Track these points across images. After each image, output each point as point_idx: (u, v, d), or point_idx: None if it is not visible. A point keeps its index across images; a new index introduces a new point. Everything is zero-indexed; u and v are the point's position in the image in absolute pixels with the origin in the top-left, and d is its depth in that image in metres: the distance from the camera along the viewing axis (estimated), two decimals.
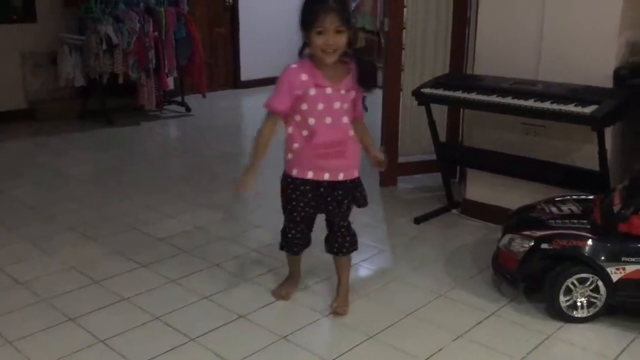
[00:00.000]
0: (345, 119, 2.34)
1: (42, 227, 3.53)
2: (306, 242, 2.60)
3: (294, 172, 2.39)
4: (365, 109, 2.48)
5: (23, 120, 6.16)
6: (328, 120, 2.31)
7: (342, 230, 2.52)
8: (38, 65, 6.28)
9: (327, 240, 2.58)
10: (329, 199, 2.43)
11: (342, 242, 2.54)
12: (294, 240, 2.56)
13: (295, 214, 2.47)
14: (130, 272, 2.98)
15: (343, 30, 2.19)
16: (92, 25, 5.90)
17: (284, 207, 2.50)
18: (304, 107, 2.29)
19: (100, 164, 4.98)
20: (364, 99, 2.51)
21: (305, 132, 2.33)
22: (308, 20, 2.20)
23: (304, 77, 2.27)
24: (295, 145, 2.36)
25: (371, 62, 2.38)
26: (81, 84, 6.16)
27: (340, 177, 2.39)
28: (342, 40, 2.21)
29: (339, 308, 2.57)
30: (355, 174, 2.44)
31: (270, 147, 2.39)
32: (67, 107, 6.40)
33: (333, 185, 2.40)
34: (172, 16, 6.36)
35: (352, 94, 2.35)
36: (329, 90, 2.29)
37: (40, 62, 6.28)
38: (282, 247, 2.63)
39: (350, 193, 2.45)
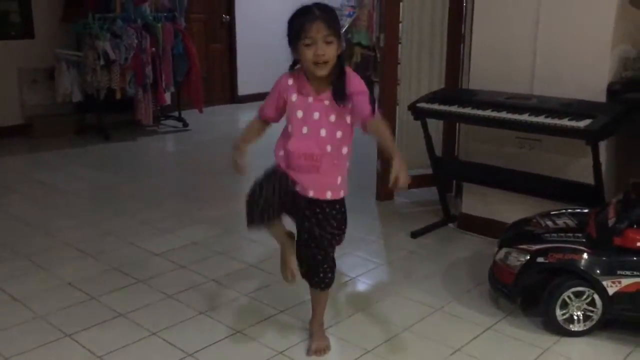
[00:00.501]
0: (324, 132, 2.17)
1: (38, 243, 3.53)
2: (270, 207, 2.19)
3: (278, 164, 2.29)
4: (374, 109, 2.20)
5: (20, 136, 6.17)
6: (304, 129, 2.19)
7: (320, 257, 2.29)
8: (35, 81, 6.30)
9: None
10: (309, 213, 2.24)
11: (319, 276, 2.33)
12: (251, 201, 2.20)
13: (261, 185, 2.21)
14: (127, 287, 2.98)
15: (332, 40, 2.09)
16: (89, 41, 5.93)
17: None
18: (288, 112, 2.24)
19: (97, 180, 4.98)
20: (373, 100, 2.27)
21: (285, 139, 2.26)
22: (295, 32, 2.11)
23: (290, 81, 2.22)
24: (280, 152, 2.28)
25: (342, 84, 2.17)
26: (78, 99, 6.18)
27: (310, 194, 2.21)
28: (332, 50, 2.10)
29: (318, 348, 2.39)
30: (329, 196, 2.22)
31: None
32: (64, 123, 6.41)
33: (309, 202, 2.24)
34: (169, 32, 6.40)
35: (348, 102, 2.16)
36: (310, 99, 2.19)
37: (37, 77, 6.30)
38: (247, 223, 2.24)
39: (340, 212, 2.28)
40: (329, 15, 2.12)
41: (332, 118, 2.18)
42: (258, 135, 2.37)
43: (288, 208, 2.26)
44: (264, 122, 2.34)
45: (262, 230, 2.33)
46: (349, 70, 2.20)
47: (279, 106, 2.26)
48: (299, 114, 2.20)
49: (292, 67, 2.24)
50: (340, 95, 2.16)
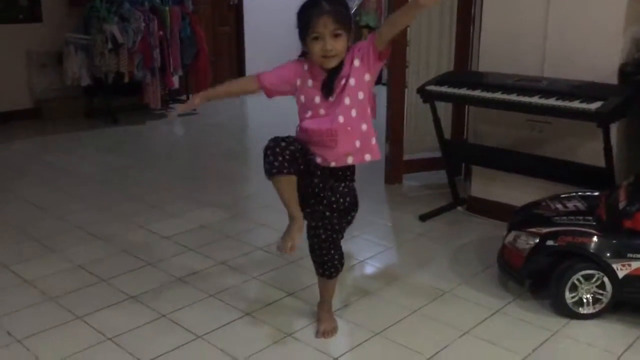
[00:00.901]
0: (340, 114, 2.13)
1: (48, 226, 3.55)
2: (293, 160, 2.10)
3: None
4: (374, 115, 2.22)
5: (29, 120, 6.19)
6: (321, 111, 2.17)
7: (331, 241, 2.27)
8: (44, 65, 6.31)
9: (315, 260, 2.36)
10: (321, 185, 2.22)
11: (330, 263, 2.33)
12: (277, 147, 2.08)
13: (278, 138, 2.12)
14: (137, 270, 3.00)
15: (340, 33, 2.07)
16: (97, 24, 5.92)
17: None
18: (302, 99, 2.21)
19: (106, 163, 5.00)
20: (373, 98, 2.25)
21: (303, 121, 2.22)
22: (303, 26, 2.09)
23: (306, 66, 2.20)
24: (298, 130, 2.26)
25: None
26: (87, 83, 6.19)
27: (332, 165, 2.19)
28: (341, 43, 2.08)
29: (326, 331, 2.41)
30: (350, 161, 2.19)
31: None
32: (73, 107, 6.43)
33: (331, 173, 2.22)
34: (177, 15, 6.38)
35: (355, 63, 2.12)
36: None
37: (46, 61, 6.30)
38: (266, 169, 2.12)
39: (350, 194, 2.27)
40: (337, 8, 2.07)
41: (347, 101, 2.14)
42: (237, 93, 2.34)
43: (301, 179, 2.19)
44: (257, 85, 2.27)
45: (275, 180, 2.14)
46: (352, 47, 2.14)
47: (287, 82, 2.22)
48: (317, 99, 2.18)
49: (301, 56, 2.21)
50: (327, 87, 2.14)
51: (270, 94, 2.29)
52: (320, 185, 2.23)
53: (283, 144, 2.09)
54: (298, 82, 2.21)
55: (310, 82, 2.19)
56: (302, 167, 2.15)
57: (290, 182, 2.14)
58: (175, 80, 6.86)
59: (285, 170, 2.09)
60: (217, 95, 2.39)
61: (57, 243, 3.30)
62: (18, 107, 6.20)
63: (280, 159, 2.07)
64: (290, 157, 2.09)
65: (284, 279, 2.87)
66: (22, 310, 2.61)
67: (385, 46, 2.12)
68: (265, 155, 2.10)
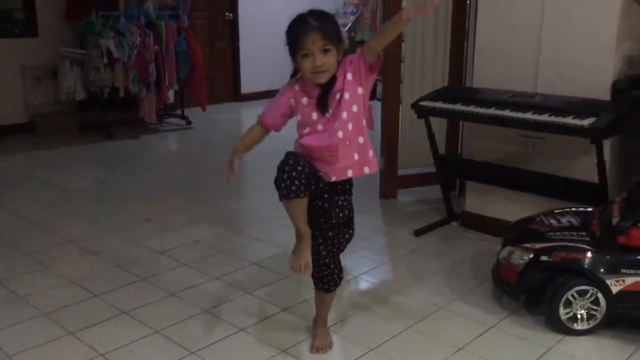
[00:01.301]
0: (339, 129, 2.12)
1: (42, 241, 3.53)
2: (308, 183, 2.11)
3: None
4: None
5: (24, 134, 6.18)
6: (319, 127, 2.17)
7: (331, 256, 2.29)
8: (39, 79, 6.31)
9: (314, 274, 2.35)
10: (325, 204, 2.23)
11: (330, 277, 2.33)
12: (293, 172, 2.07)
13: (291, 160, 2.11)
14: (130, 285, 2.98)
15: (330, 48, 2.07)
16: (93, 39, 5.94)
17: (280, 166, 2.15)
18: (299, 117, 2.22)
19: (101, 178, 4.98)
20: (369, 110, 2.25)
21: (302, 138, 2.22)
22: (292, 44, 2.09)
23: (297, 87, 2.20)
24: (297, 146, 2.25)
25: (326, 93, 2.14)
26: (82, 97, 6.19)
27: (333, 179, 2.18)
28: (331, 59, 2.08)
29: (321, 346, 2.40)
30: (350, 174, 2.19)
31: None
32: (68, 121, 6.43)
33: (330, 187, 2.22)
34: (172, 30, 6.40)
35: (352, 86, 2.12)
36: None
37: (41, 76, 6.31)
38: (284, 192, 2.10)
39: (349, 208, 2.29)
40: (325, 24, 2.08)
41: (344, 115, 2.14)
42: (257, 143, 2.34)
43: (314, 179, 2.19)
44: (265, 129, 2.31)
45: (291, 203, 2.13)
46: (342, 60, 2.15)
47: (286, 114, 2.24)
48: (314, 116, 2.17)
49: (292, 75, 2.22)
50: (322, 103, 2.14)
51: (278, 129, 2.29)
52: (322, 200, 2.24)
53: (300, 167, 2.09)
54: (292, 103, 2.21)
55: (305, 100, 2.19)
56: (313, 187, 2.17)
57: (302, 204, 2.15)
58: (171, 95, 6.87)
59: (302, 195, 2.10)
60: (246, 150, 2.37)
61: (50, 258, 3.28)
62: (13, 121, 6.20)
63: (297, 182, 2.08)
64: (306, 180, 2.10)
65: (279, 294, 2.86)
66: (15, 326, 2.59)
67: (375, 58, 2.13)
68: (282, 179, 2.09)
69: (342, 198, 2.26)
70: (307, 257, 2.20)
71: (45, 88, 6.33)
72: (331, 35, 2.08)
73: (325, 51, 2.07)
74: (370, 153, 2.23)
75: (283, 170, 2.09)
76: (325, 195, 2.23)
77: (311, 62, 2.07)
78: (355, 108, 2.16)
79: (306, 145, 2.18)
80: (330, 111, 2.15)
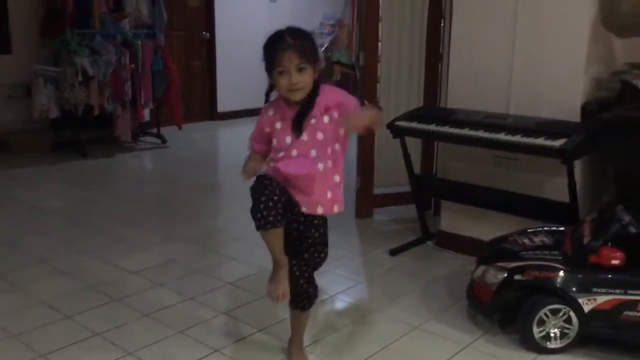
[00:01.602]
0: (314, 152, 2.14)
1: (11, 261, 3.46)
2: (284, 212, 2.12)
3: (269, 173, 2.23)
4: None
5: None
6: (294, 152, 2.16)
7: (305, 277, 2.29)
8: (11, 97, 6.23)
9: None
10: (299, 224, 2.24)
11: (304, 295, 2.33)
12: (269, 202, 2.06)
13: (266, 190, 2.09)
14: (102, 306, 2.93)
15: (305, 66, 2.08)
16: (68, 57, 5.89)
17: (254, 194, 2.13)
18: (275, 142, 2.21)
19: (74, 197, 4.92)
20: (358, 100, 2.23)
21: (277, 162, 2.21)
22: (268, 60, 2.10)
23: (271, 112, 2.21)
24: (271, 170, 2.23)
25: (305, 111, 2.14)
26: (55, 115, 6.11)
27: (303, 209, 2.19)
28: (306, 77, 2.09)
29: None
30: (320, 211, 2.20)
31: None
32: (41, 139, 6.34)
33: (301, 214, 2.22)
34: (149, 49, 6.39)
35: (325, 120, 2.14)
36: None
37: (13, 93, 6.23)
38: (261, 222, 2.09)
39: (324, 226, 2.29)
40: (302, 42, 2.09)
41: (320, 136, 2.15)
42: (262, 162, 2.29)
43: (287, 206, 2.17)
44: (258, 156, 2.30)
45: (268, 233, 2.12)
46: (322, 88, 2.17)
47: (265, 139, 2.24)
48: (288, 139, 2.16)
49: (267, 92, 2.21)
50: (297, 126, 2.14)
51: (267, 153, 2.26)
52: (298, 223, 2.24)
53: (276, 197, 2.08)
54: (267, 130, 2.22)
55: (278, 125, 2.19)
56: (289, 214, 2.17)
57: (279, 233, 2.15)
58: (146, 113, 6.84)
59: (278, 225, 2.10)
60: (258, 167, 2.30)
61: (20, 278, 3.22)
62: None
63: (273, 212, 2.07)
64: (282, 210, 2.10)
65: (254, 315, 2.84)
66: None
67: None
68: (258, 209, 2.07)
69: (317, 217, 2.26)
70: (285, 286, 2.21)
71: (18, 106, 6.24)
72: (308, 54, 2.09)
73: (301, 69, 2.08)
74: (341, 192, 2.24)
75: (259, 201, 2.07)
76: (301, 219, 2.23)
77: (287, 80, 2.08)
78: (334, 144, 2.17)
79: (282, 172, 2.16)
80: (305, 135, 2.15)
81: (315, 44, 2.20)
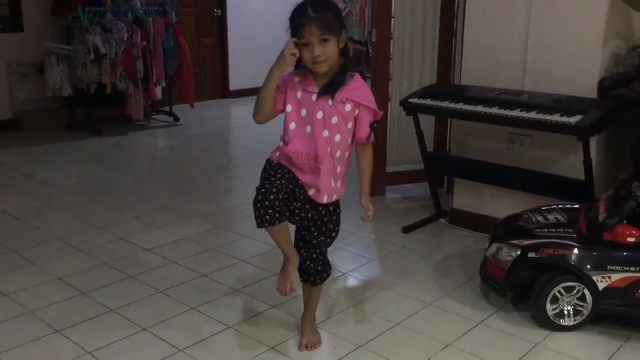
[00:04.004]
0: (327, 133, 2.13)
1: (28, 238, 3.50)
2: (282, 210, 2.10)
3: (275, 160, 2.24)
4: (374, 134, 2.21)
5: (9, 131, 6.11)
6: (308, 128, 2.15)
7: (315, 256, 2.32)
8: (25, 75, 6.25)
9: (300, 267, 2.35)
10: (308, 206, 2.24)
11: (316, 270, 2.35)
12: (266, 200, 2.06)
13: (267, 182, 2.11)
14: (117, 282, 2.96)
15: (328, 38, 2.05)
16: (79, 35, 5.89)
17: (260, 179, 2.17)
18: (289, 108, 2.18)
19: (88, 175, 4.95)
20: (374, 124, 2.20)
21: (284, 139, 2.21)
22: (293, 33, 2.07)
23: (297, 79, 2.19)
24: (277, 154, 2.25)
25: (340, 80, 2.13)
26: (68, 93, 6.14)
27: (310, 193, 2.20)
28: (330, 48, 2.06)
29: (310, 343, 2.41)
30: (325, 200, 2.21)
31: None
32: (54, 118, 6.38)
33: (310, 199, 2.22)
34: (160, 26, 6.36)
35: (349, 108, 2.14)
36: (314, 97, 2.14)
37: (27, 71, 6.25)
38: (258, 221, 2.10)
39: (334, 204, 2.29)
40: (324, 14, 2.05)
41: (335, 120, 2.14)
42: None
43: (292, 193, 2.19)
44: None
45: (268, 230, 2.15)
46: (358, 77, 2.17)
47: (279, 99, 2.18)
48: (303, 112, 2.16)
49: (296, 64, 2.17)
50: (326, 89, 2.12)
51: (275, 114, 2.23)
52: (304, 212, 2.25)
53: (272, 196, 2.07)
54: (286, 93, 2.18)
55: (300, 94, 2.18)
56: (293, 204, 2.18)
57: (282, 228, 2.15)
58: (158, 91, 6.84)
59: (276, 222, 2.09)
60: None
61: (36, 255, 3.26)
62: None
63: (270, 211, 2.07)
64: (279, 207, 2.08)
65: (267, 291, 2.86)
66: (1, 324, 2.57)
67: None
68: (255, 207, 2.08)
69: (330, 210, 2.28)
70: (291, 281, 2.23)
71: (31, 84, 6.27)
72: (330, 25, 2.06)
73: (324, 41, 2.06)
74: (342, 186, 2.28)
75: (256, 199, 2.09)
76: (307, 205, 2.24)
77: (310, 52, 2.06)
78: (350, 125, 2.17)
79: (294, 152, 2.16)
80: (320, 114, 2.13)
81: (340, 13, 2.17)
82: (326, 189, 2.21)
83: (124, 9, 6.25)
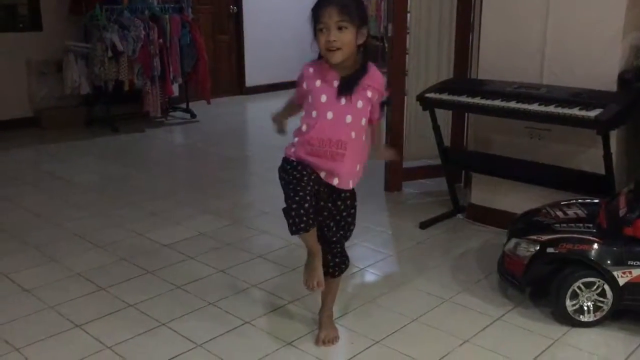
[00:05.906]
0: (350, 118, 2.13)
1: (47, 234, 3.54)
2: (315, 216, 2.13)
3: (293, 157, 2.22)
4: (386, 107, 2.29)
5: (29, 128, 6.19)
6: (329, 115, 2.13)
7: (335, 250, 2.34)
8: (44, 73, 6.32)
9: None
10: (329, 203, 2.25)
11: (334, 262, 2.35)
12: (301, 209, 2.07)
13: (298, 187, 2.10)
14: (136, 278, 2.99)
15: (345, 25, 2.03)
16: (97, 33, 5.94)
17: (286, 188, 2.17)
18: (310, 99, 2.18)
19: (106, 171, 5.00)
20: (383, 103, 2.25)
21: (304, 127, 2.19)
22: (313, 19, 2.07)
23: (311, 70, 2.18)
24: (296, 139, 2.23)
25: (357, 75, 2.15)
26: (87, 91, 6.20)
27: (335, 182, 2.19)
28: (346, 36, 2.04)
29: (327, 338, 2.41)
30: (351, 185, 2.23)
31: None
32: (73, 115, 6.44)
33: (332, 189, 2.22)
34: (176, 23, 6.40)
35: (368, 94, 2.14)
36: (335, 84, 2.12)
37: (45, 70, 6.32)
38: (293, 229, 2.11)
39: (352, 198, 2.30)
40: (345, 1, 2.05)
41: (360, 104, 2.14)
42: (293, 113, 2.36)
43: (318, 191, 2.20)
44: (299, 105, 2.30)
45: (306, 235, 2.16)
46: (372, 66, 2.17)
47: (303, 95, 2.22)
48: (323, 98, 2.14)
49: (319, 57, 2.18)
50: (346, 86, 2.12)
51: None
52: (323, 201, 2.24)
53: (307, 204, 2.07)
54: (305, 86, 2.19)
55: (318, 83, 2.16)
56: (320, 204, 2.21)
57: (314, 230, 2.17)
58: (175, 88, 6.88)
59: (310, 229, 2.12)
60: (284, 118, 2.48)
61: (55, 251, 3.30)
62: (17, 115, 6.21)
63: (304, 219, 2.08)
64: (313, 213, 2.10)
65: (285, 287, 2.87)
66: (21, 319, 2.60)
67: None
68: (290, 215, 2.09)
69: (345, 192, 2.27)
70: (319, 274, 2.24)
71: (50, 82, 6.34)
72: (350, 13, 2.05)
73: (341, 28, 2.04)
74: (361, 171, 2.28)
75: (291, 207, 2.08)
76: (330, 198, 2.25)
77: (326, 37, 2.05)
78: (363, 121, 2.19)
79: (315, 139, 2.14)
80: (343, 99, 2.13)
81: (363, 6, 2.17)
82: (350, 174, 2.21)
83: (140, 7, 6.30)
